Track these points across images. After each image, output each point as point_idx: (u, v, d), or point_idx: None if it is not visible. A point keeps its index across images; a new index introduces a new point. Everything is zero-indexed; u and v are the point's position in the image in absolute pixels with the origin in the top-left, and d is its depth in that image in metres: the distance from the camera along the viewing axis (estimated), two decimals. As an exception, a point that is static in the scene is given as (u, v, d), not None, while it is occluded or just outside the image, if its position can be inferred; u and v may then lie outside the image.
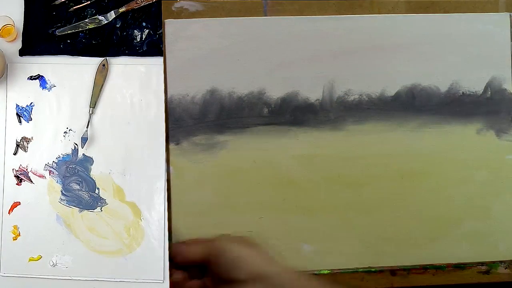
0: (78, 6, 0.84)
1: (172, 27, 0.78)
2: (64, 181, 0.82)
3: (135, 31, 0.84)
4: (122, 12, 0.84)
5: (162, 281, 0.80)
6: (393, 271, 0.78)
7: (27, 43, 0.83)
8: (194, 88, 0.78)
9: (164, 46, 0.78)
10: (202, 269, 0.55)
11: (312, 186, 0.78)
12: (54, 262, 0.81)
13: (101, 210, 0.82)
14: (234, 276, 0.52)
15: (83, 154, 0.82)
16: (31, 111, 0.83)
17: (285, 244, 0.77)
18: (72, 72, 0.83)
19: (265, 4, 0.80)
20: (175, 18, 0.79)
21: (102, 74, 0.83)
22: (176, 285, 0.56)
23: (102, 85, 0.83)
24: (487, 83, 0.80)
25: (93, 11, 0.84)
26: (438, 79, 0.80)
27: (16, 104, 0.83)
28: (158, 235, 0.81)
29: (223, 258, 0.53)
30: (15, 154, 0.82)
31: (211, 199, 0.77)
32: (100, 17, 0.84)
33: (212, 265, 0.54)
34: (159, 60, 0.80)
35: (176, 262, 0.56)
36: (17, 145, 0.82)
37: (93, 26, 0.83)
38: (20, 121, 0.83)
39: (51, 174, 0.82)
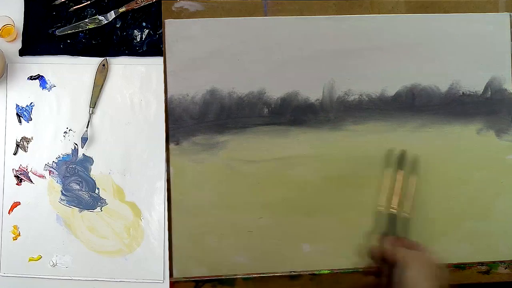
0: (78, 6, 0.84)
1: (172, 27, 0.78)
2: (64, 181, 0.82)
3: (135, 31, 0.84)
4: (122, 12, 0.84)
5: (162, 281, 0.80)
6: (393, 271, 0.78)
7: (27, 43, 0.83)
8: (194, 88, 0.78)
9: (164, 46, 0.78)
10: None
11: (312, 186, 0.78)
12: (54, 262, 0.81)
13: (101, 210, 0.82)
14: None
15: (83, 154, 0.82)
16: (31, 111, 0.83)
17: (285, 244, 0.77)
18: (72, 72, 0.83)
19: (265, 4, 0.80)
20: (175, 18, 0.79)
21: (102, 74, 0.83)
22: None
23: (102, 85, 0.83)
24: (487, 83, 0.80)
25: (93, 11, 0.84)
26: (438, 79, 0.80)
27: (16, 104, 0.83)
28: (158, 235, 0.81)
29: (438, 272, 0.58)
30: (15, 154, 0.82)
31: (211, 199, 0.77)
32: (100, 17, 0.84)
33: (416, 267, 0.59)
34: (159, 60, 0.80)
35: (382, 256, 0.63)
36: (17, 145, 0.82)
37: (93, 26, 0.83)
38: (20, 121, 0.83)
39: (51, 174, 0.82)
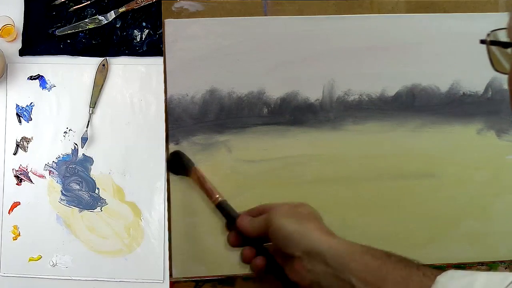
0: (78, 6, 0.84)
1: (172, 27, 0.78)
2: (64, 181, 0.82)
3: (135, 31, 0.84)
4: (122, 12, 0.84)
5: (162, 281, 0.80)
6: (393, 271, 0.78)
7: (27, 43, 0.83)
8: (193, 88, 0.78)
9: (164, 46, 0.78)
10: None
11: (312, 186, 0.78)
12: (54, 262, 0.81)
13: (101, 210, 0.82)
14: (288, 251, 0.54)
15: (83, 154, 0.82)
16: (31, 111, 0.83)
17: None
18: (72, 72, 0.83)
19: (265, 4, 0.80)
20: (175, 18, 0.79)
21: (102, 74, 0.83)
22: (246, 260, 0.60)
23: (102, 85, 0.83)
24: (488, 83, 0.80)
25: (93, 11, 0.84)
26: (438, 79, 0.80)
27: (16, 104, 0.83)
28: (158, 235, 0.81)
29: (278, 235, 0.55)
30: (15, 154, 0.82)
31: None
32: (100, 17, 0.84)
33: (270, 238, 0.56)
34: (159, 60, 0.80)
35: (242, 233, 0.60)
36: (17, 145, 0.82)
37: (93, 26, 0.84)
38: (20, 121, 0.83)
39: (51, 174, 0.82)
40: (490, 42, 0.48)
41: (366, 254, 0.52)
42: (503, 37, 0.47)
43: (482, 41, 0.48)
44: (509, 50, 0.46)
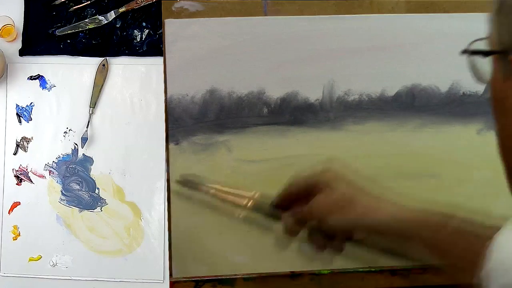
0: (78, 6, 0.84)
1: (172, 27, 0.78)
2: (64, 181, 0.82)
3: (135, 31, 0.84)
4: (122, 12, 0.84)
5: (162, 281, 0.80)
6: (393, 271, 0.78)
7: (27, 43, 0.83)
8: (193, 88, 0.78)
9: (164, 46, 0.78)
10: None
11: (312, 186, 0.78)
12: (54, 262, 0.81)
13: (101, 210, 0.82)
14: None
15: (83, 154, 0.82)
16: (31, 111, 0.83)
17: (285, 244, 0.77)
18: (72, 72, 0.83)
19: (265, 4, 0.80)
20: (175, 18, 0.79)
21: (102, 74, 0.83)
22: (320, 248, 0.62)
23: (102, 85, 0.83)
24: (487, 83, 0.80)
25: (93, 11, 0.84)
26: (438, 79, 0.80)
27: (16, 104, 0.83)
28: (158, 235, 0.81)
29: (335, 230, 0.59)
30: (15, 154, 0.82)
31: (211, 199, 0.77)
32: (100, 17, 0.84)
33: None
34: (159, 60, 0.80)
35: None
36: (17, 145, 0.82)
37: (93, 26, 0.84)
38: (20, 121, 0.83)
39: (51, 174, 0.82)
40: (472, 52, 0.48)
41: (426, 224, 0.55)
42: (482, 47, 0.47)
43: (464, 51, 0.48)
44: (486, 60, 0.46)
